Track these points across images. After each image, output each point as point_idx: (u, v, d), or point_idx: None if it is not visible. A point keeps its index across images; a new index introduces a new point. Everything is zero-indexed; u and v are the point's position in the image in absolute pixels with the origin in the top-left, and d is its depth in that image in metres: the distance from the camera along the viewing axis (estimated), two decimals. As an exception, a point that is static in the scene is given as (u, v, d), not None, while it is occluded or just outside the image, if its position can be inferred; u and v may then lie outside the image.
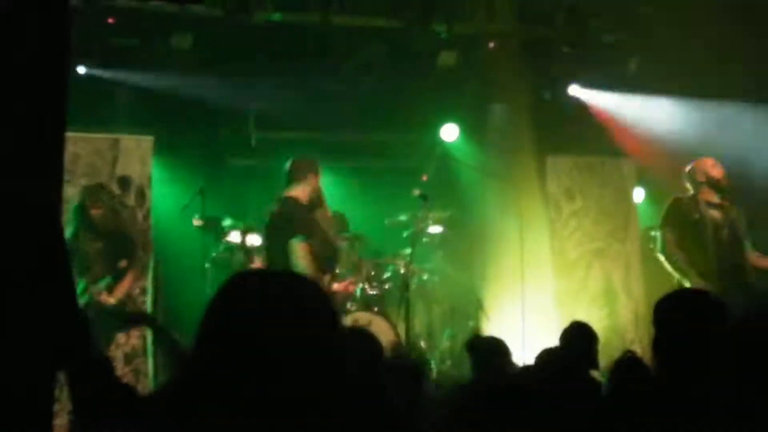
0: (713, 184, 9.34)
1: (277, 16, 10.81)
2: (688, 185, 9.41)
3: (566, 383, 5.11)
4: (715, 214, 9.25)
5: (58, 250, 2.70)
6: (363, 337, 4.90)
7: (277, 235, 8.60)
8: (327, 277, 8.67)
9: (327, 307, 2.14)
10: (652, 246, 9.88)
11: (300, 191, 8.74)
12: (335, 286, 8.95)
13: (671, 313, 4.02)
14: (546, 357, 5.56)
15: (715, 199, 9.34)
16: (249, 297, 2.11)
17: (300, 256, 8.33)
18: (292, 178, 8.82)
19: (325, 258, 8.70)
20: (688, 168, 9.43)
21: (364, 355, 4.66)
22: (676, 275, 9.04)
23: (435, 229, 10.82)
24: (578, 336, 6.69)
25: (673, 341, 3.88)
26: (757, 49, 10.46)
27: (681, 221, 9.22)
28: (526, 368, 5.33)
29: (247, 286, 2.15)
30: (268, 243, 8.94)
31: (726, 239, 9.17)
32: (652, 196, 11.29)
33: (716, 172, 9.36)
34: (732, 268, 9.02)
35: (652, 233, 9.90)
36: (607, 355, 9.77)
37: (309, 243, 8.44)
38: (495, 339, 6.76)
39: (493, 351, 6.39)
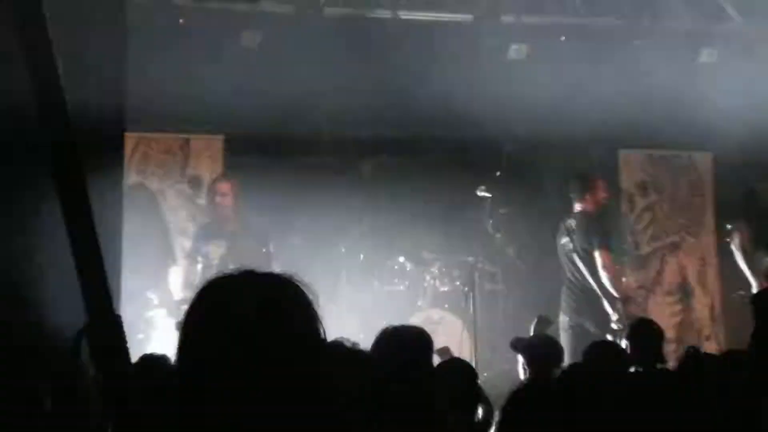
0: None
1: (347, 12, 10.84)
2: None
3: (625, 379, 5.05)
4: (794, 206, 9.04)
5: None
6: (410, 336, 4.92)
7: (577, 247, 9.16)
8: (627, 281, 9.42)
9: (308, 313, 2.10)
10: (728, 239, 9.70)
11: (587, 204, 9.35)
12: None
13: None
14: (595, 352, 5.48)
15: (794, 191, 9.14)
16: (223, 302, 2.07)
17: (604, 265, 8.95)
18: (578, 193, 9.46)
19: None
20: None
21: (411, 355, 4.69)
22: (745, 271, 8.89)
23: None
24: (643, 332, 6.68)
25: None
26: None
27: (756, 214, 9.03)
28: (575, 365, 5.26)
29: (223, 290, 2.11)
30: (568, 256, 9.37)
31: (806, 232, 8.94)
32: (730, 188, 11.04)
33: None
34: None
35: (729, 226, 9.71)
36: (682, 350, 9.70)
37: (608, 251, 9.09)
38: (546, 338, 6.71)
39: (543, 350, 6.35)
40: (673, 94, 11.24)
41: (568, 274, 9.30)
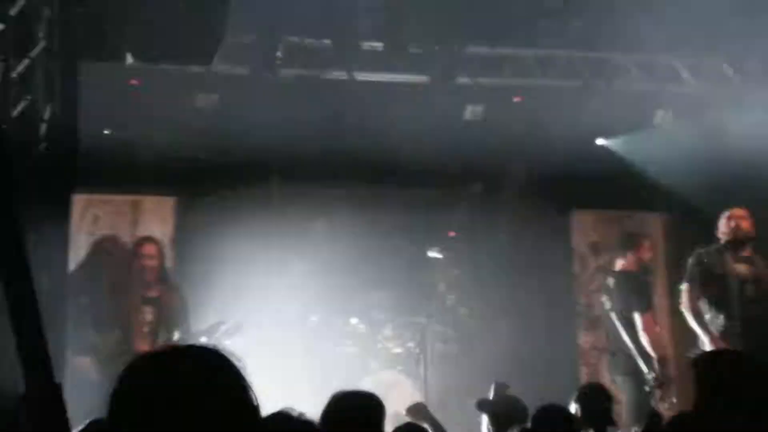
0: (741, 237, 9.16)
1: (302, 73, 10.85)
2: (720, 237, 9.24)
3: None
4: (741, 268, 9.05)
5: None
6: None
7: (616, 307, 9.20)
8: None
9: (237, 384, 2.07)
10: (679, 301, 9.71)
11: (630, 263, 9.39)
12: None
13: (709, 373, 4.07)
14: (543, 416, 5.47)
15: (743, 252, 9.15)
16: (148, 383, 2.05)
17: (645, 327, 9.01)
18: (621, 250, 9.53)
19: None
20: (719, 219, 9.27)
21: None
22: (698, 332, 8.92)
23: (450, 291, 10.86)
24: (592, 395, 6.68)
25: (712, 401, 3.90)
26: None
27: (704, 276, 9.05)
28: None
29: (147, 370, 2.08)
30: (611, 313, 9.33)
31: (752, 295, 8.96)
32: (681, 250, 11.10)
33: (745, 224, 9.17)
34: (759, 325, 8.81)
35: (680, 287, 9.73)
36: (637, 413, 9.69)
37: (651, 314, 9.17)
38: (511, 398, 6.70)
39: (508, 411, 6.33)
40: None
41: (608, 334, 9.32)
